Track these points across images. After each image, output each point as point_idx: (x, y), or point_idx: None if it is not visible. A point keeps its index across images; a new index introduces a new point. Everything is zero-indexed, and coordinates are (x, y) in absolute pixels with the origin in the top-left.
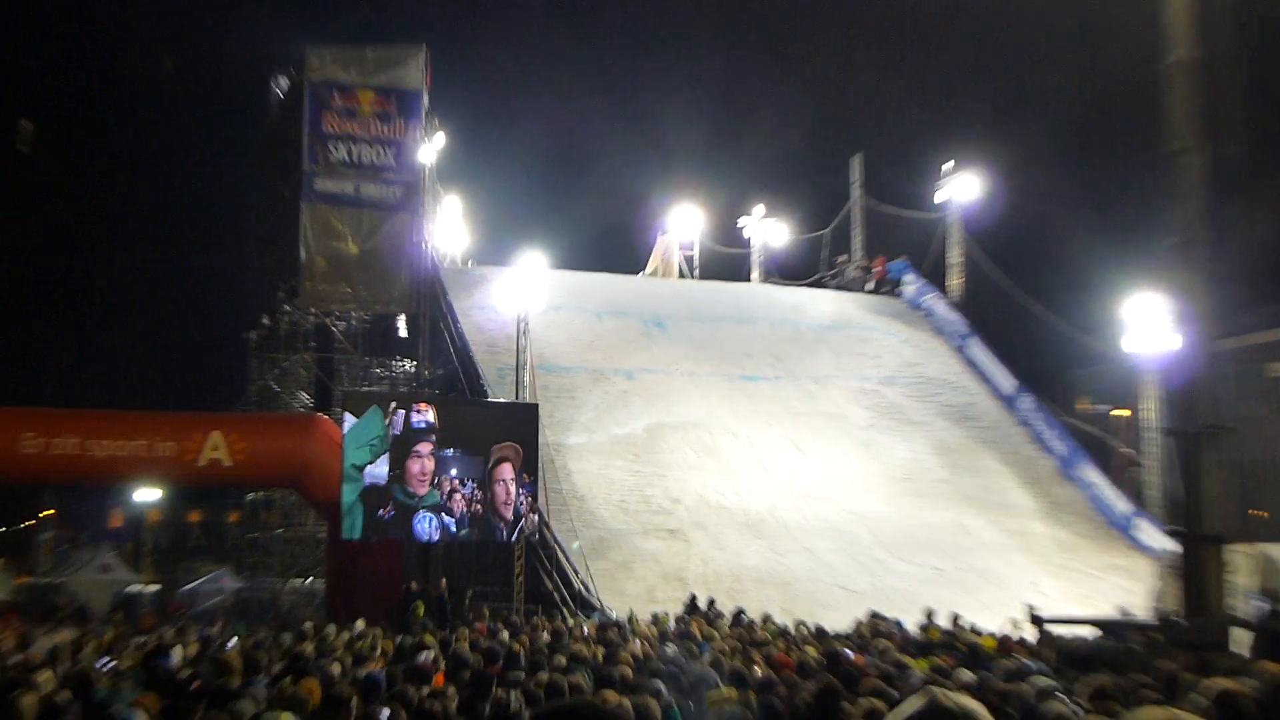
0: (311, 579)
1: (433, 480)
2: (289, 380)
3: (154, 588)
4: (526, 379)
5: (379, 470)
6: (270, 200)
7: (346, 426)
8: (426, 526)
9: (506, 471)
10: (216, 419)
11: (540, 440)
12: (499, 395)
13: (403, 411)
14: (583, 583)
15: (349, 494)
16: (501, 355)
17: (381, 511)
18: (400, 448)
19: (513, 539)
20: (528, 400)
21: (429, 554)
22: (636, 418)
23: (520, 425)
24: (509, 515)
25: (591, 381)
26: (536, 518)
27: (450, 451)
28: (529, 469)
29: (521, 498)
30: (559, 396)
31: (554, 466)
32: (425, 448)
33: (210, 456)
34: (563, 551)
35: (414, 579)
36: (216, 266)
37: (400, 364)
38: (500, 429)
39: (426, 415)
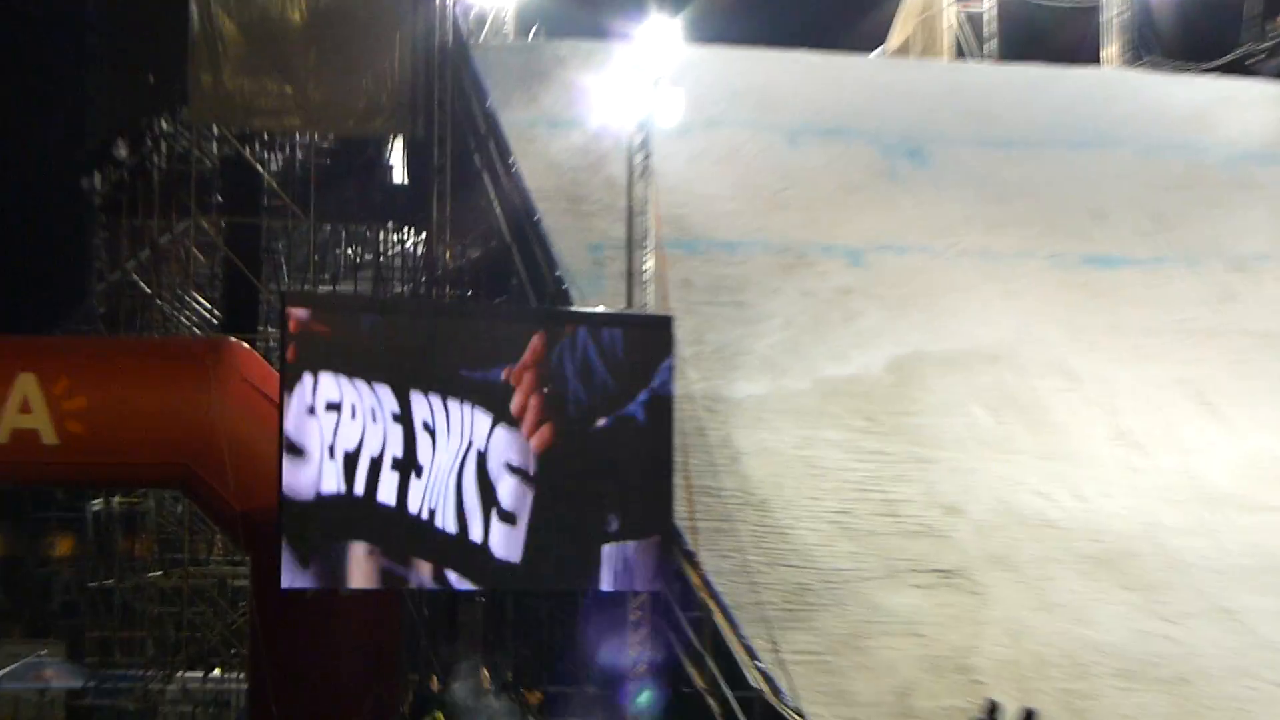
0: (219, 670)
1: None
2: (171, 271)
3: None
4: (648, 266)
5: (351, 449)
6: None
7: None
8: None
9: None
10: (25, 349)
11: (676, 389)
12: (592, 299)
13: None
14: (765, 676)
15: (297, 499)
16: (597, 219)
17: (361, 540)
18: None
19: (623, 587)
20: (650, 310)
21: (456, 616)
22: (870, 344)
23: (633, 363)
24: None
25: (779, 271)
26: (669, 543)
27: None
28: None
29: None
30: (715, 301)
31: (706, 442)
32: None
33: (14, 426)
34: (726, 614)
35: (428, 668)
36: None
37: (396, 237)
38: (594, 371)
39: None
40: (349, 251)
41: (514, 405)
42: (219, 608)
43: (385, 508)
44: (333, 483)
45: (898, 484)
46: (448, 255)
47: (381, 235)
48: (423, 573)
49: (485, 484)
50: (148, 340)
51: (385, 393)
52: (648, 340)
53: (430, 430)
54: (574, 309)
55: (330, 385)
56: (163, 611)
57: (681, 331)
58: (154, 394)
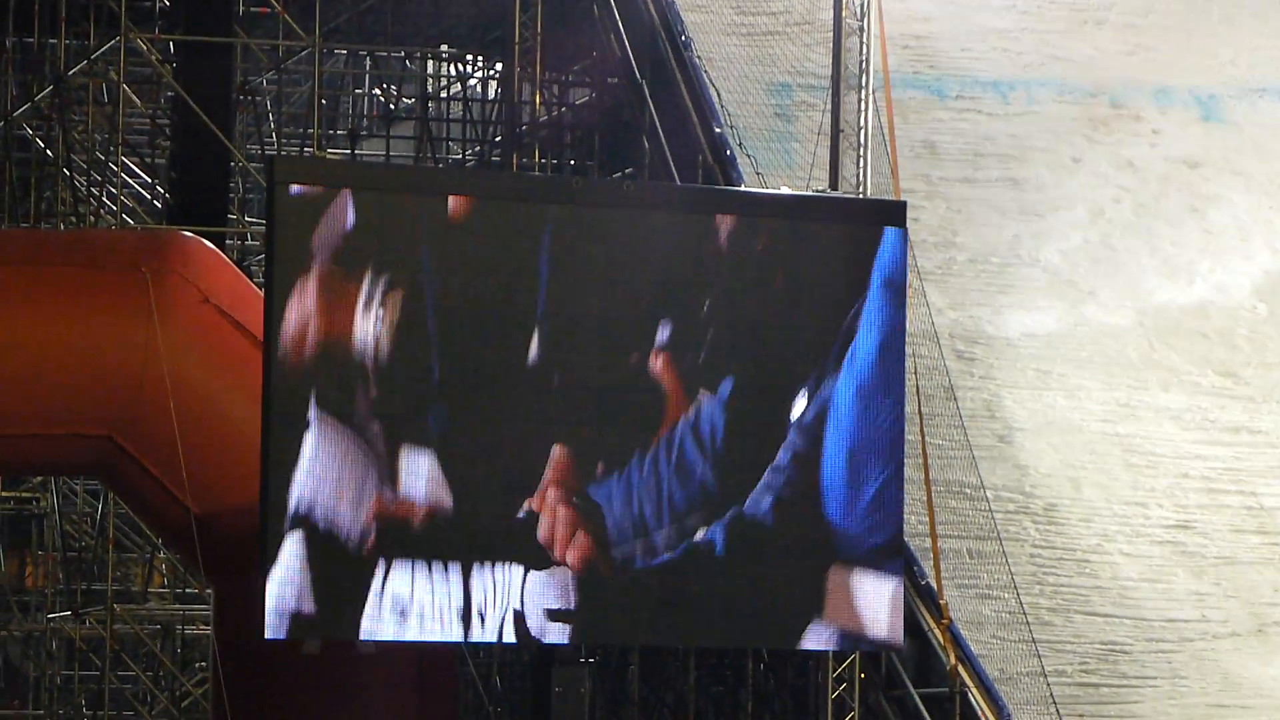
0: None
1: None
2: (89, 122)
3: None
4: (866, 121)
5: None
6: None
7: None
8: (534, 610)
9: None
10: None
11: (913, 323)
12: (774, 175)
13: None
14: None
15: (289, 494)
16: (783, 41)
17: (394, 559)
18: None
19: (828, 645)
20: (867, 194)
21: (549, 687)
22: (1231, 251)
23: (836, 282)
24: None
25: (1083, 128)
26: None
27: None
28: (872, 412)
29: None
30: (975, 179)
31: (956, 410)
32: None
33: None
34: (987, 691)
35: None
36: None
37: (453, 71)
38: (771, 292)
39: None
40: (376, 94)
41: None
42: (162, 672)
43: (437, 508)
44: (351, 467)
45: (1274, 482)
46: (537, 101)
47: (430, 67)
48: (497, 617)
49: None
50: (47, 236)
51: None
52: (862, 243)
53: None
54: (745, 189)
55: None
56: (72, 677)
57: (920, 228)
58: (55, 322)
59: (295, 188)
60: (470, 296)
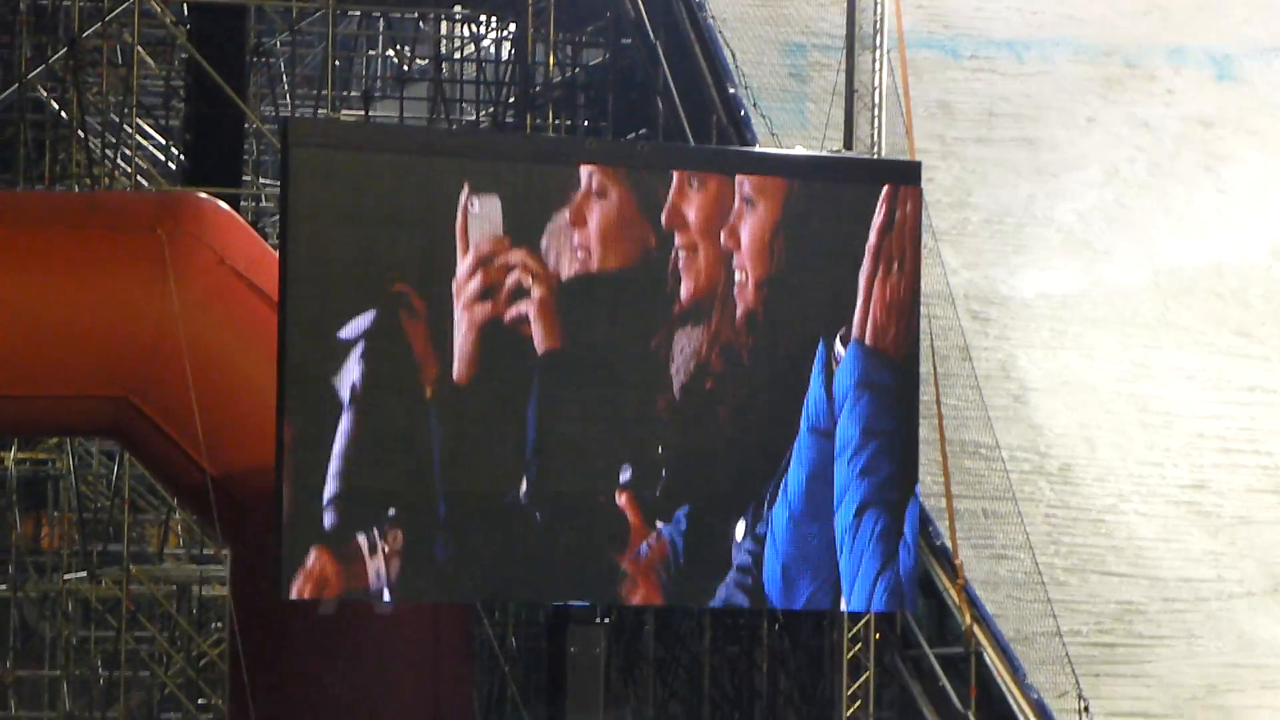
0: None
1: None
2: (103, 85)
3: None
4: (881, 81)
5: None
6: None
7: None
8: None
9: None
10: None
11: (928, 283)
12: (788, 135)
13: (473, 199)
14: None
15: (307, 455)
16: (798, 2)
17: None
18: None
19: (843, 606)
20: (879, 154)
21: (564, 648)
22: (1246, 211)
23: (852, 241)
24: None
25: (1098, 88)
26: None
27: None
28: (884, 372)
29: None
30: (990, 138)
31: (971, 370)
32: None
33: None
34: (1003, 652)
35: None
36: None
37: (466, 32)
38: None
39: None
40: (390, 56)
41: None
42: (178, 631)
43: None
44: (366, 427)
45: None
46: (550, 61)
47: (443, 28)
48: (513, 577)
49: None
50: (63, 197)
51: None
52: (876, 203)
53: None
54: (758, 150)
55: None
56: (88, 638)
57: (934, 188)
58: (72, 284)
59: (309, 152)
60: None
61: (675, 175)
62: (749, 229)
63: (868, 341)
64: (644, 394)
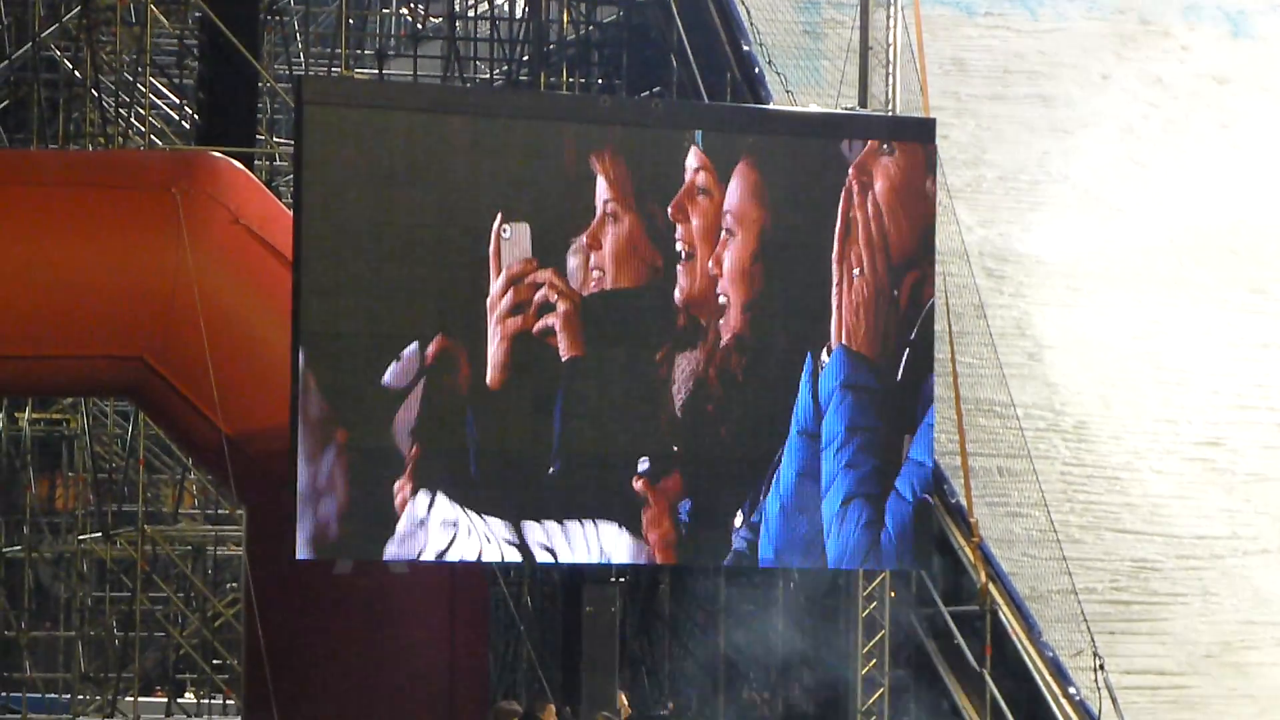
0: (192, 695)
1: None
2: (117, 43)
3: None
4: (895, 38)
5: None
6: None
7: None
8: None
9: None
10: None
11: (943, 240)
12: (803, 92)
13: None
14: (1082, 710)
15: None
16: None
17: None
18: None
19: (856, 564)
20: (896, 111)
21: (579, 607)
22: (1261, 167)
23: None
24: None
25: (1112, 44)
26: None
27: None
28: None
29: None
30: (1004, 95)
31: (986, 327)
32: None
33: None
34: (1018, 609)
35: (533, 688)
36: None
37: None
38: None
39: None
40: (404, 14)
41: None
42: (193, 592)
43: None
44: (384, 390)
45: None
46: (565, 19)
47: None
48: (529, 539)
49: (644, 390)
50: (77, 156)
51: None
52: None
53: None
54: (772, 108)
55: None
56: (102, 598)
57: (949, 145)
58: (86, 243)
59: (323, 111)
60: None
61: (671, 206)
62: (730, 256)
63: (848, 344)
64: (653, 399)
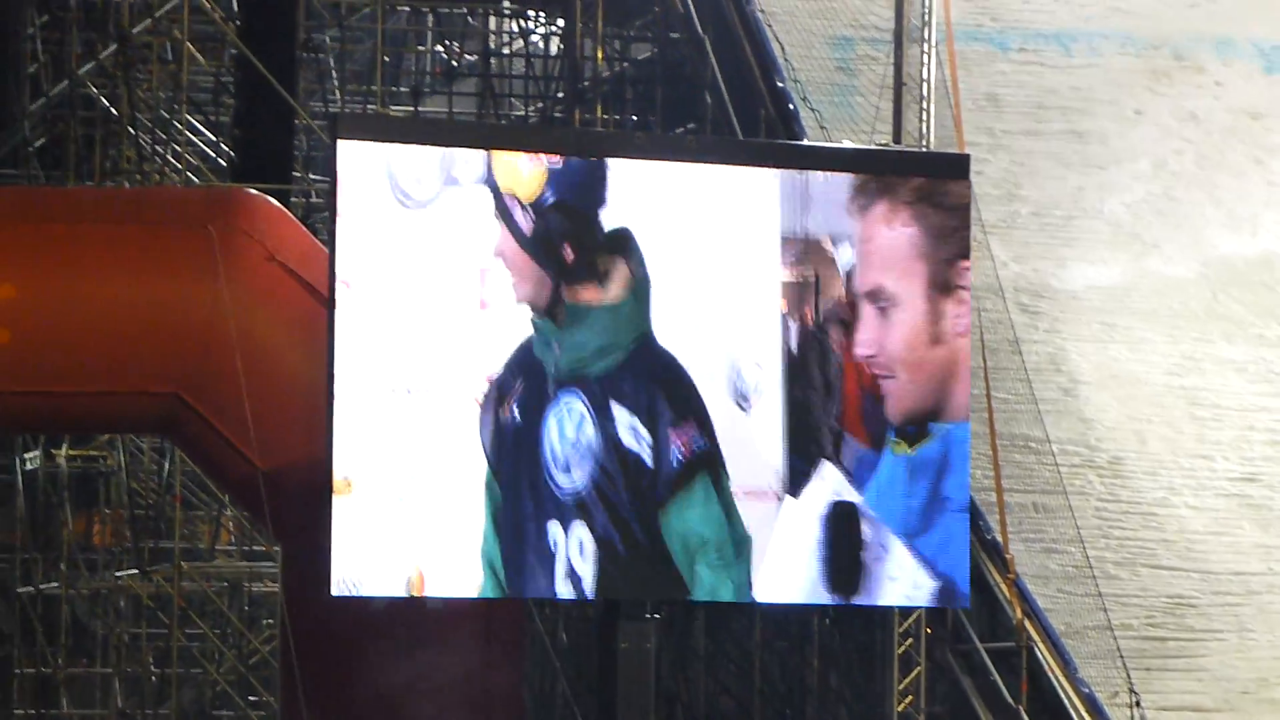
0: None
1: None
2: (153, 81)
3: None
4: (929, 74)
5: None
6: None
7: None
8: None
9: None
10: None
11: (977, 276)
12: (837, 128)
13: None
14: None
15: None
16: None
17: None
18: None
19: (896, 600)
20: (928, 147)
21: (614, 644)
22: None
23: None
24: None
25: (1146, 80)
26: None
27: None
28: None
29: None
30: (1038, 131)
31: (1020, 363)
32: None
33: None
34: (1053, 645)
35: None
36: None
37: (515, 27)
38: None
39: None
40: (439, 51)
41: None
42: (230, 628)
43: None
44: (417, 424)
45: None
46: (599, 56)
47: (492, 23)
48: (561, 576)
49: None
50: (114, 193)
51: None
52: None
53: None
54: (805, 144)
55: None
56: (139, 635)
57: (983, 181)
58: (122, 280)
59: (359, 146)
60: None
61: None
62: None
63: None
64: None
